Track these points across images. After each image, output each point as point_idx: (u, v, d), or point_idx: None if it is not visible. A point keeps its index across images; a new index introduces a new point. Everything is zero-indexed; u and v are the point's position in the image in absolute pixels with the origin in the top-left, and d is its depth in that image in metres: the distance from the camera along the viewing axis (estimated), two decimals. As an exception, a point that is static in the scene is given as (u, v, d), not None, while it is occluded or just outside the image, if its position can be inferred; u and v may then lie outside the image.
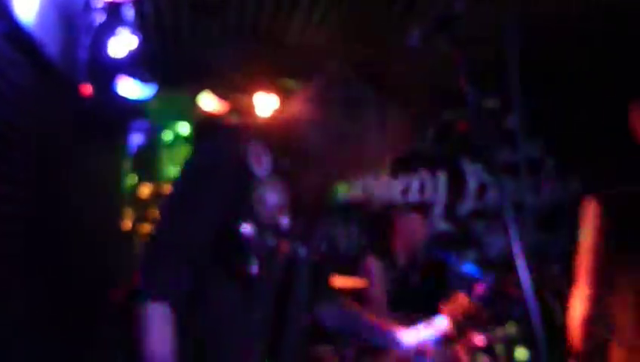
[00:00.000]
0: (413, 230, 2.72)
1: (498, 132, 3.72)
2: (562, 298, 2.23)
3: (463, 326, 1.80)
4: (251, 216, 1.13)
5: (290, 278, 1.23)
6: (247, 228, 1.13)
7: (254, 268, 1.14)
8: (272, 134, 1.19)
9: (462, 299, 1.76)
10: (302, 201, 1.22)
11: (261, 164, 1.16)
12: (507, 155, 3.67)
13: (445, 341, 1.53)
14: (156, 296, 1.08)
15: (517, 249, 1.07)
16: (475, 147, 3.53)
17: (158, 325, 1.07)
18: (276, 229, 1.18)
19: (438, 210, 3.78)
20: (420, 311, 2.02)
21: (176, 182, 1.18)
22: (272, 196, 1.16)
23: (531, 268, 1.12)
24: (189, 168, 1.17)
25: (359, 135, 1.14)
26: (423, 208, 3.35)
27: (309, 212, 1.25)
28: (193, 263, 1.12)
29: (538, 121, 3.58)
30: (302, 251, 1.26)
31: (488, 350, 2.20)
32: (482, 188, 3.85)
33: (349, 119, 1.14)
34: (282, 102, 3.24)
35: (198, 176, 1.15)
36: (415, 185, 3.74)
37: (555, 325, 2.31)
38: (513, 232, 1.08)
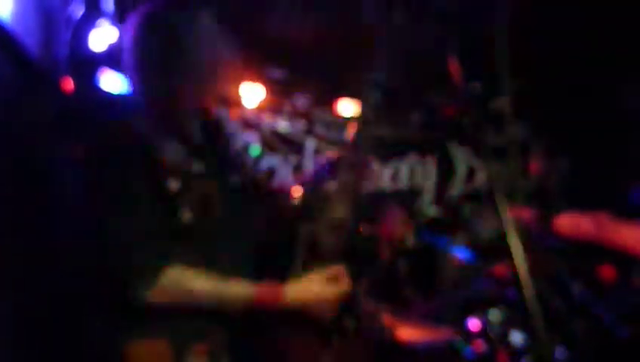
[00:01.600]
0: (395, 223, 2.71)
1: (485, 114, 3.71)
2: (554, 281, 2.24)
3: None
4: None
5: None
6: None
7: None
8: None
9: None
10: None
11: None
12: (495, 138, 3.66)
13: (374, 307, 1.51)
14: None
15: (509, 231, 1.07)
16: (463, 131, 3.53)
17: None
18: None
19: (428, 195, 3.78)
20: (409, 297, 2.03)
21: None
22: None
23: (526, 251, 1.12)
24: None
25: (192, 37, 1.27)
26: (406, 199, 3.35)
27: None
28: None
29: (526, 102, 3.57)
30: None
31: (483, 334, 2.22)
32: (471, 172, 3.85)
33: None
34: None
35: None
36: (404, 170, 3.73)
37: (549, 308, 2.33)
38: (504, 215, 1.08)
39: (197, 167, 1.31)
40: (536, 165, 3.72)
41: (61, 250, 2.21)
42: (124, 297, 1.19)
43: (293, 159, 3.27)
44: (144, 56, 1.30)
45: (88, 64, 2.37)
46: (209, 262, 1.26)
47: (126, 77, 1.36)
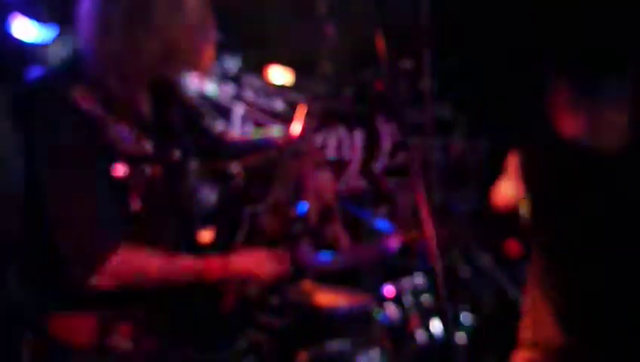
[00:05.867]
0: (323, 187, 2.77)
1: (412, 92, 3.82)
2: (467, 251, 2.39)
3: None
4: None
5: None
6: None
7: None
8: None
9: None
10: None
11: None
12: (419, 115, 3.79)
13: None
14: None
15: (423, 205, 1.14)
16: (390, 106, 3.62)
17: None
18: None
19: (354, 167, 3.86)
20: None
21: None
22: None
23: (439, 224, 1.19)
24: None
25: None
26: (335, 165, 3.41)
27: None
28: None
29: (449, 81, 3.70)
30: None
31: (397, 300, 2.34)
32: (396, 147, 3.97)
33: None
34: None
35: None
36: (332, 142, 3.78)
37: (459, 278, 2.49)
38: (420, 189, 1.15)
39: (147, 146, 1.24)
40: (457, 143, 3.90)
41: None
42: (66, 280, 1.16)
43: (220, 124, 3.23)
44: (106, 15, 1.18)
45: None
46: (153, 243, 1.23)
47: (78, 38, 1.23)
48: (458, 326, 2.35)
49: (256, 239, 1.43)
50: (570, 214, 1.36)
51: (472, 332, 2.34)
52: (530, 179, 1.43)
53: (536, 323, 1.43)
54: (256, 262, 1.36)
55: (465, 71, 3.63)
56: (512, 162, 1.54)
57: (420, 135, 3.69)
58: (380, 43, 1.09)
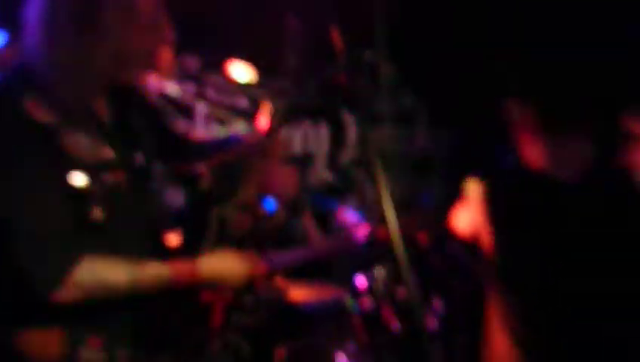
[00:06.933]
0: (289, 182, 2.76)
1: (374, 84, 3.84)
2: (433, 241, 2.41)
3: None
4: None
5: None
6: None
7: None
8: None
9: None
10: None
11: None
12: (383, 106, 3.81)
13: None
14: None
15: (386, 196, 1.15)
16: (353, 98, 3.63)
17: None
18: None
19: (321, 160, 3.87)
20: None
21: None
22: None
23: (403, 214, 1.20)
24: None
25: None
26: (299, 165, 3.41)
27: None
28: None
29: (411, 72, 3.74)
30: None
31: (369, 291, 2.35)
32: (361, 138, 3.99)
33: None
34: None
35: None
36: (297, 136, 3.78)
37: (430, 266, 2.52)
38: (382, 180, 1.15)
39: (107, 152, 1.21)
40: (420, 134, 3.94)
41: None
42: (29, 295, 1.12)
43: (183, 124, 3.18)
44: (54, 20, 1.14)
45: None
46: (118, 251, 1.21)
47: (27, 44, 1.17)
48: (430, 313, 2.38)
49: (225, 240, 1.41)
50: (533, 248, 1.31)
51: (443, 319, 2.38)
52: (494, 212, 1.38)
53: (497, 356, 1.41)
54: (227, 265, 1.35)
55: (427, 61, 3.66)
56: (473, 189, 1.48)
57: (384, 126, 3.72)
58: (336, 36, 1.09)
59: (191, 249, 1.39)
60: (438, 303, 2.42)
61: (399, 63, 3.41)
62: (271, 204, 1.69)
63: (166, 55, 1.29)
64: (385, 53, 3.16)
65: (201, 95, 3.14)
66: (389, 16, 2.80)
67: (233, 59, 3.16)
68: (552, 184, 1.31)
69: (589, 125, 1.33)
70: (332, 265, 2.63)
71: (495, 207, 1.32)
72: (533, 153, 1.36)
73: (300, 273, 2.31)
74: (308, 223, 2.83)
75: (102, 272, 1.17)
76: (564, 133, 1.34)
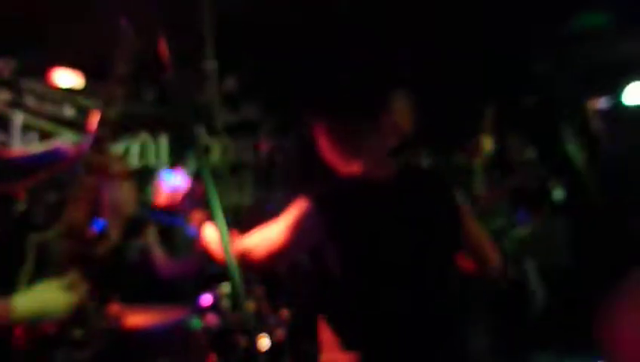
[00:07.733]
0: (124, 200, 2.60)
1: (218, 94, 3.78)
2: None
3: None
4: None
5: None
6: None
7: None
8: None
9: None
10: None
11: None
12: (228, 116, 3.77)
13: None
14: None
15: (216, 206, 1.12)
16: (198, 109, 3.55)
17: None
18: None
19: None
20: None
21: None
22: None
23: (247, 223, 1.16)
24: None
25: None
26: (137, 178, 3.24)
27: None
28: None
29: (257, 82, 3.74)
30: None
31: (215, 307, 2.28)
32: (207, 150, 3.90)
33: None
34: None
35: None
36: (135, 148, 3.57)
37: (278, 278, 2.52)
38: (211, 192, 1.12)
39: None
40: (265, 143, 3.96)
41: None
42: None
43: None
44: None
45: None
46: None
47: None
48: (279, 324, 2.38)
49: (46, 270, 1.27)
50: (365, 246, 1.30)
51: (292, 329, 2.40)
52: (326, 221, 1.33)
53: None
54: (46, 297, 1.21)
55: (272, 72, 3.69)
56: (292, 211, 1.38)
57: (231, 135, 3.67)
58: (163, 47, 1.04)
59: (3, 285, 1.23)
60: (285, 313, 2.43)
61: (247, 73, 3.39)
62: (100, 224, 1.55)
63: None
64: (216, 65, 3.11)
65: (17, 103, 2.81)
66: (219, 28, 2.77)
67: (56, 64, 2.88)
68: (369, 185, 1.36)
69: (373, 122, 1.35)
70: (175, 286, 2.52)
71: (325, 216, 1.33)
72: (343, 166, 1.40)
73: (140, 297, 2.16)
74: (150, 241, 2.67)
75: None
76: (357, 138, 1.36)
